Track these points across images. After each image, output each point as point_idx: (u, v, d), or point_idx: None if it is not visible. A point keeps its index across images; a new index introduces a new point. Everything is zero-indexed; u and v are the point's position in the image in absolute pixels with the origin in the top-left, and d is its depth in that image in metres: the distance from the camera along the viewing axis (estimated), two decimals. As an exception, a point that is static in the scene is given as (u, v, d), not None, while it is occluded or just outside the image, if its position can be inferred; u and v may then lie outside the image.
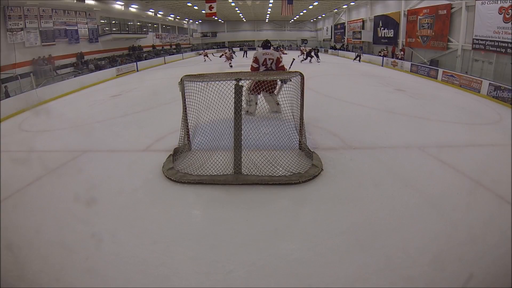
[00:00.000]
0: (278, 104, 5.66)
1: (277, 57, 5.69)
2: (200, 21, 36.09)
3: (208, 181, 3.57)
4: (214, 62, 20.20)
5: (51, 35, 13.89)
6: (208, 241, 2.62)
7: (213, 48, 35.08)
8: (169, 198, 3.36)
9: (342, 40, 27.02)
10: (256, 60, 5.74)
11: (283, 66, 5.87)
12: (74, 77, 13.20)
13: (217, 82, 3.94)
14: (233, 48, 23.83)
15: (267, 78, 4.62)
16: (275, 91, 5.78)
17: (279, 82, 5.74)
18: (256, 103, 5.84)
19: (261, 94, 5.71)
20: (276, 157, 3.96)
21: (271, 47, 5.91)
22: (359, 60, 19.64)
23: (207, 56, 22.17)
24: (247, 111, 5.67)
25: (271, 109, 5.89)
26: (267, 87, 5.23)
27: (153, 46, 25.07)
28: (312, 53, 19.02)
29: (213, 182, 3.55)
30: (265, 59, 5.68)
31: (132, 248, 2.56)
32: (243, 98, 5.22)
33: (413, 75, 14.07)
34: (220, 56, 20.00)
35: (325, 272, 2.27)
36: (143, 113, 7.18)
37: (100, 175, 4.00)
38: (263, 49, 5.88)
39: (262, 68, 5.71)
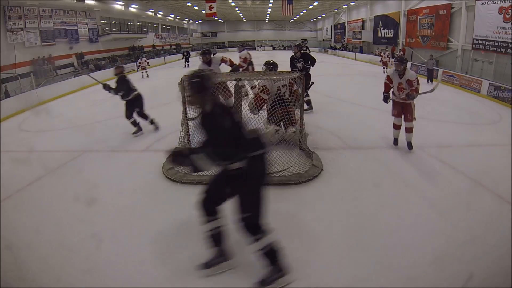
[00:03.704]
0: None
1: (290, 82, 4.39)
2: (200, 21, 36.09)
3: (208, 181, 3.56)
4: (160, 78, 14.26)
5: (51, 35, 13.89)
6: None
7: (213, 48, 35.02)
8: (169, 198, 3.36)
9: (342, 40, 27.03)
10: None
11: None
12: (74, 77, 13.21)
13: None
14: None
15: (267, 78, 4.61)
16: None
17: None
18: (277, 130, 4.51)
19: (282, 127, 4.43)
20: (276, 157, 3.96)
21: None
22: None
23: (145, 71, 14.47)
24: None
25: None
26: (283, 116, 4.20)
27: (153, 46, 25.09)
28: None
29: (213, 182, 3.55)
30: (278, 86, 4.35)
31: (132, 248, 2.56)
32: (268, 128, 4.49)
33: (413, 75, 14.03)
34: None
35: (325, 272, 2.27)
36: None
37: (100, 175, 4.00)
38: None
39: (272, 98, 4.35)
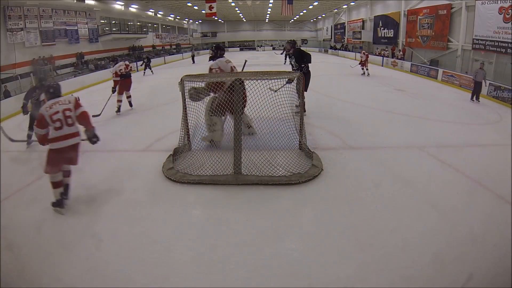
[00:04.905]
0: (250, 127, 4.80)
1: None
2: (200, 21, 36.08)
3: (208, 181, 3.57)
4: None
5: (51, 35, 13.89)
6: (208, 241, 2.62)
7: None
8: (169, 198, 3.36)
9: (342, 40, 27.02)
10: None
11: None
12: (74, 77, 13.20)
13: (217, 82, 3.94)
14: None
15: (268, 78, 4.59)
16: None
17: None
18: (222, 130, 4.51)
19: (228, 117, 4.45)
20: (276, 157, 3.96)
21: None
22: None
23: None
24: (210, 140, 4.47)
25: (243, 132, 4.20)
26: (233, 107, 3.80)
27: (153, 46, 25.09)
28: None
29: (213, 182, 3.55)
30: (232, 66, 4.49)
31: (132, 248, 2.56)
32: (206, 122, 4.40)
33: (413, 75, 14.06)
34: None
35: (325, 272, 2.27)
36: (143, 113, 7.19)
37: (100, 175, 4.00)
38: None
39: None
